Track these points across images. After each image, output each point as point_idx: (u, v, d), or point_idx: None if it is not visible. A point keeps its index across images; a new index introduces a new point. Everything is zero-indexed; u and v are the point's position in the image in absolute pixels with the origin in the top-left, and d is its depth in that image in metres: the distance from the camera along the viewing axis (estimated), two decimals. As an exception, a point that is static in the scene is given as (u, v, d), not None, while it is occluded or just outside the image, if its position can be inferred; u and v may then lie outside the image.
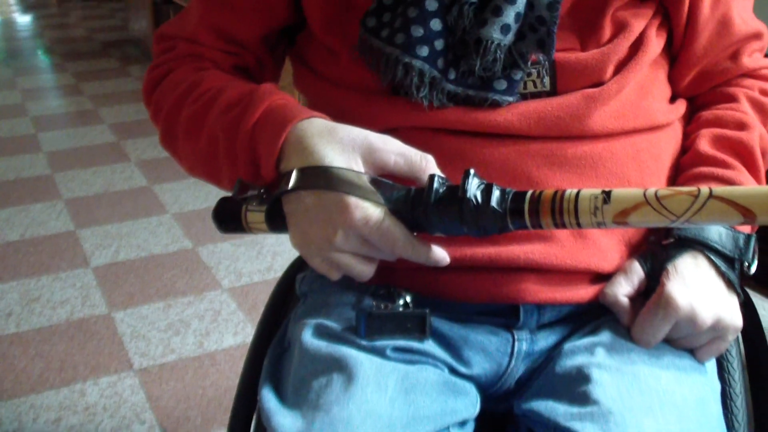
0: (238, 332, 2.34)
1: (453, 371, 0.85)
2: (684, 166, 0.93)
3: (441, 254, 0.79)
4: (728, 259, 0.84)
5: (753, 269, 0.86)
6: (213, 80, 0.91)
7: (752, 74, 0.99)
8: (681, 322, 0.80)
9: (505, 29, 0.83)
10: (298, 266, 1.07)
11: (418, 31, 0.84)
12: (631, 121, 0.89)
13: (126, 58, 5.71)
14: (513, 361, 0.86)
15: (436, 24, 0.84)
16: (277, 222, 0.81)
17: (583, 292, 0.86)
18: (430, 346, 0.84)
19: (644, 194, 0.69)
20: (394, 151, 0.78)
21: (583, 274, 0.86)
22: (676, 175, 0.93)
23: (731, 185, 0.87)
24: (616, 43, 0.88)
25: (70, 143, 3.97)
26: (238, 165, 0.83)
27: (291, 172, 0.77)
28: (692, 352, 0.84)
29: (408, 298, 0.82)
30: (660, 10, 0.92)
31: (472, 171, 0.74)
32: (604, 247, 0.86)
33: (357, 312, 0.82)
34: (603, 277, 0.87)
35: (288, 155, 0.79)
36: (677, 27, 0.93)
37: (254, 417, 0.97)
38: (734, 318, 0.83)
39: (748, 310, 0.98)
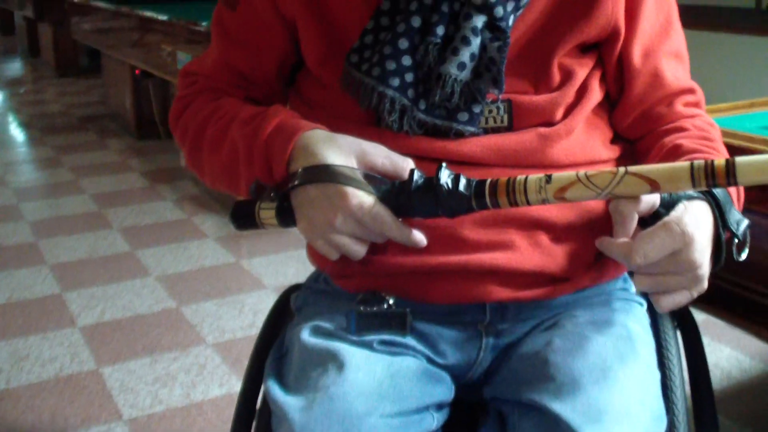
0: (223, 383, 2.44)
1: (431, 361, 1.01)
2: (663, 158, 1.05)
3: (420, 236, 0.95)
4: (725, 225, 0.92)
5: (743, 257, 0.94)
6: (231, 104, 1.09)
7: (689, 119, 1.12)
8: (678, 252, 0.85)
9: (461, 66, 0.99)
10: (290, 290, 1.21)
11: (391, 65, 1.00)
12: (578, 157, 1.05)
13: (104, 132, 5.85)
14: (481, 353, 1.03)
15: (406, 60, 1.00)
16: (286, 215, 0.97)
17: (540, 292, 1.01)
18: (410, 340, 1.00)
19: (576, 175, 0.87)
20: (382, 154, 0.96)
21: (539, 275, 1.01)
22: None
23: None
24: (564, 89, 1.04)
25: (53, 212, 4.09)
26: (255, 168, 0.99)
27: (298, 170, 0.94)
28: (659, 298, 0.89)
29: (391, 301, 0.97)
30: (600, 62, 1.09)
31: (444, 164, 0.91)
32: (556, 253, 1.02)
33: (348, 312, 0.97)
34: (556, 279, 1.02)
35: (296, 158, 0.96)
36: (611, 77, 1.09)
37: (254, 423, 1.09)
38: (706, 280, 0.91)
39: (689, 323, 1.13)
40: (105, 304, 3.00)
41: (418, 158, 1.01)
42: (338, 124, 1.04)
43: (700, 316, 1.22)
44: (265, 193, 0.99)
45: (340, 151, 0.95)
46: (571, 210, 1.02)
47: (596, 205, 1.01)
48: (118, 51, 5.19)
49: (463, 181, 0.90)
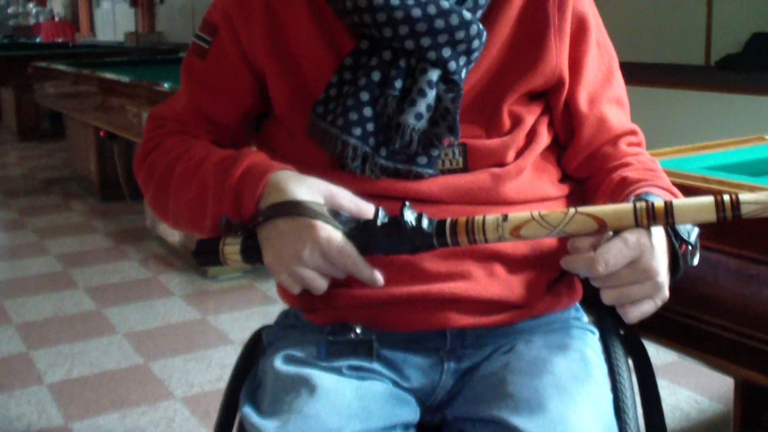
0: (192, 436, 2.47)
1: (397, 385, 1.07)
2: (613, 191, 1.13)
3: (379, 277, 1.01)
4: (678, 238, 0.99)
5: (695, 261, 1.01)
6: (202, 146, 1.15)
7: (633, 156, 1.21)
8: (636, 260, 0.93)
9: (418, 116, 1.07)
10: (261, 328, 1.26)
11: (353, 116, 1.08)
12: (529, 194, 1.13)
13: (68, 195, 5.87)
14: (443, 377, 1.09)
15: (367, 111, 1.08)
16: (250, 251, 1.02)
17: (497, 318, 1.09)
18: (377, 365, 1.06)
19: (531, 214, 0.95)
20: (348, 197, 1.03)
21: (496, 304, 1.09)
22: None
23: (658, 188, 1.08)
24: (514, 134, 1.13)
25: (17, 273, 4.10)
26: (223, 205, 1.05)
27: (268, 206, 1.01)
28: (625, 310, 0.95)
29: (358, 330, 1.03)
30: (547, 109, 1.18)
31: (407, 203, 0.98)
32: (511, 282, 1.09)
33: (318, 341, 1.03)
34: (512, 306, 1.10)
35: (266, 196, 1.02)
36: (558, 122, 1.19)
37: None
38: (667, 288, 0.98)
39: (637, 345, 1.21)
40: (72, 361, 3.00)
41: (381, 197, 1.08)
42: (304, 169, 1.10)
43: (659, 361, 1.29)
44: (232, 230, 1.04)
45: (309, 189, 1.01)
46: (524, 243, 1.10)
47: (549, 239, 1.09)
48: (83, 114, 5.24)
49: (425, 221, 0.97)
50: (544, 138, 1.16)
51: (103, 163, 5.45)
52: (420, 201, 1.08)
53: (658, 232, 0.96)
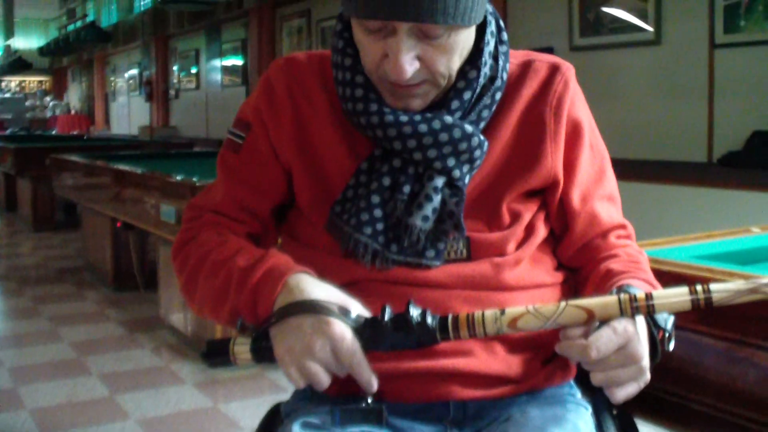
0: None
1: None
2: (599, 282, 1.24)
3: (375, 384, 1.10)
4: (656, 325, 1.11)
5: (671, 347, 1.13)
6: (234, 242, 1.25)
7: (621, 248, 1.31)
8: (623, 347, 1.05)
9: (425, 219, 1.19)
10: (279, 403, 1.34)
11: (364, 216, 1.20)
12: (526, 282, 1.24)
13: (81, 284, 5.97)
14: None
15: (377, 212, 1.20)
16: (261, 350, 1.11)
17: (496, 392, 1.19)
18: None
19: (526, 308, 1.06)
20: (358, 306, 1.12)
21: (495, 378, 1.18)
22: None
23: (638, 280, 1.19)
24: (514, 228, 1.25)
25: (32, 360, 4.16)
26: (242, 304, 1.15)
27: (284, 306, 1.10)
28: (613, 391, 1.08)
29: (369, 400, 1.12)
30: (544, 205, 1.30)
31: (411, 301, 1.08)
32: (510, 360, 1.19)
33: (332, 409, 1.12)
34: (511, 381, 1.19)
35: (283, 297, 1.12)
36: (554, 217, 1.30)
37: None
38: (649, 371, 1.09)
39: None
40: (85, 446, 3.06)
41: (391, 283, 1.19)
42: (323, 257, 1.22)
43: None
44: (245, 331, 1.13)
45: (323, 291, 1.12)
46: None
47: None
48: (100, 204, 5.38)
49: (429, 317, 1.08)
50: (540, 231, 1.28)
51: (118, 253, 5.56)
52: (426, 286, 1.18)
53: (641, 321, 1.08)
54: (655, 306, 1.05)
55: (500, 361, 1.19)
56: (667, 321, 1.11)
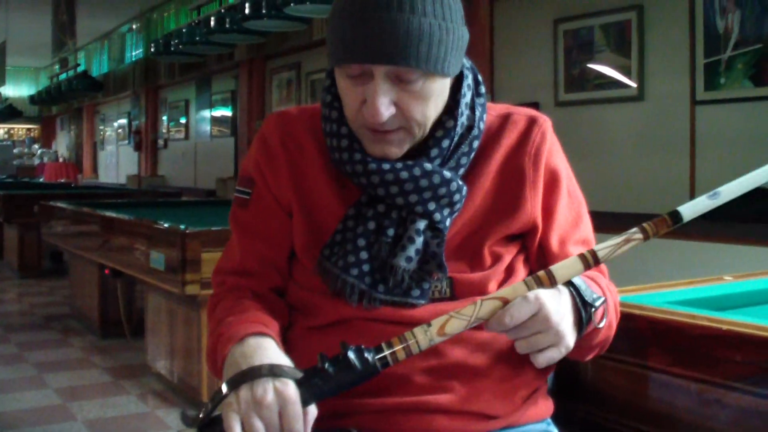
0: None
1: None
2: None
3: None
4: (584, 302, 1.22)
5: (601, 325, 1.26)
6: (239, 307, 1.31)
7: None
8: (536, 314, 1.15)
9: (408, 259, 1.26)
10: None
11: (351, 258, 1.27)
12: None
13: (67, 331, 5.98)
14: None
15: (363, 255, 1.27)
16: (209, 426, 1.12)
17: (477, 426, 1.25)
18: None
19: (449, 314, 1.14)
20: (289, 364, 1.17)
21: (476, 415, 1.24)
22: None
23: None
24: (495, 268, 1.32)
25: (16, 405, 4.16)
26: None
27: (233, 378, 1.13)
28: (535, 357, 1.18)
29: (353, 432, 1.17)
30: (523, 248, 1.37)
31: (343, 342, 1.12)
32: (490, 397, 1.25)
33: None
34: (490, 416, 1.25)
35: (228, 366, 1.19)
36: (533, 259, 1.37)
37: None
38: (570, 338, 1.20)
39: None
40: (70, 491, 3.06)
41: (380, 322, 1.26)
42: (314, 298, 1.30)
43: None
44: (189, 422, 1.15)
45: (257, 358, 1.16)
46: (502, 363, 1.27)
47: (524, 358, 1.24)
48: (89, 251, 5.41)
49: (365, 352, 1.11)
50: (520, 272, 1.35)
51: (105, 300, 5.58)
52: (412, 324, 1.23)
53: (562, 297, 1.20)
54: (555, 276, 1.18)
55: (481, 398, 1.24)
56: (595, 300, 1.23)
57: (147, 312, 4.61)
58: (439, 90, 1.24)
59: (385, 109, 1.20)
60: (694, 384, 1.36)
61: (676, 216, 1.21)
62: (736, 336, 1.29)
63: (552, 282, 1.17)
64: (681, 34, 5.14)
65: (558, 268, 1.19)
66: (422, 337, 1.12)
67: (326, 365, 1.10)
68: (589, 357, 1.34)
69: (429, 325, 1.13)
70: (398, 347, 1.12)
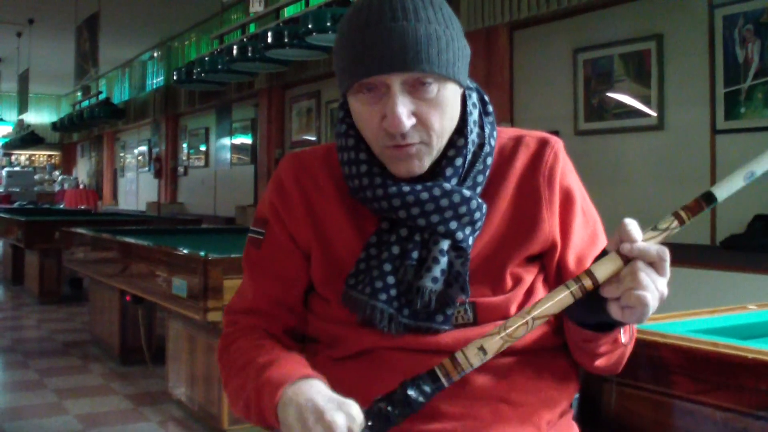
0: None
1: None
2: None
3: None
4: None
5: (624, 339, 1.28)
6: (260, 361, 1.29)
7: None
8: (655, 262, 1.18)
9: (434, 280, 1.27)
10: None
11: (378, 284, 1.28)
12: (528, 340, 1.30)
13: (87, 357, 5.99)
14: None
15: (390, 279, 1.28)
16: None
17: None
18: None
19: (500, 337, 1.15)
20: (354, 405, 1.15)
21: None
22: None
23: None
24: (516, 291, 1.33)
25: (38, 432, 4.18)
26: (252, 407, 1.25)
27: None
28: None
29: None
30: (542, 268, 1.38)
31: (403, 380, 1.15)
32: (515, 423, 1.26)
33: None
34: None
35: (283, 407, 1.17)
36: (551, 278, 1.38)
37: None
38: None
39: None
40: None
41: (404, 350, 1.27)
42: (337, 329, 1.31)
43: None
44: None
45: (320, 396, 1.14)
46: (525, 390, 1.28)
47: (547, 385, 1.27)
48: (111, 278, 5.44)
49: (422, 383, 1.14)
50: (540, 293, 1.36)
51: (125, 327, 5.60)
52: (437, 351, 1.25)
53: None
54: (598, 279, 1.15)
55: (506, 424, 1.25)
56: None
57: (168, 339, 4.63)
58: (452, 98, 1.27)
59: (406, 119, 1.22)
60: (719, 413, 1.36)
61: (709, 197, 1.21)
62: (762, 365, 1.30)
63: (594, 284, 1.15)
64: (701, 64, 5.16)
65: (600, 270, 1.16)
66: (474, 358, 1.14)
67: (387, 407, 1.12)
68: (598, 366, 1.34)
69: (483, 349, 1.14)
70: (453, 372, 1.14)
